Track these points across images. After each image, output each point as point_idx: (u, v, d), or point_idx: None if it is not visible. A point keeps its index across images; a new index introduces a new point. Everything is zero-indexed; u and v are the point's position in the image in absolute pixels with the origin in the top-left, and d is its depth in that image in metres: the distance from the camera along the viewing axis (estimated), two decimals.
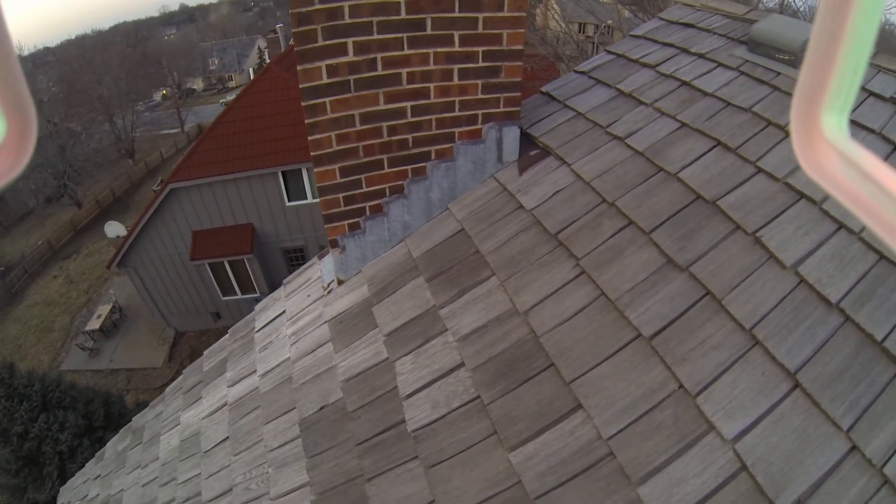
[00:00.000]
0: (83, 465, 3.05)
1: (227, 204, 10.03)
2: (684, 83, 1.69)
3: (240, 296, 11.50)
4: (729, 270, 1.16)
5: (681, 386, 1.03)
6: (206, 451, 1.81)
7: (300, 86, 1.41)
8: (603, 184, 1.45)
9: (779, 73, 1.62)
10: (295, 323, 1.80)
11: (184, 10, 51.80)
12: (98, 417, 7.93)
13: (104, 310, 14.65)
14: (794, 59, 1.63)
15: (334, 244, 1.64)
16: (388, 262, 1.65)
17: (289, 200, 10.21)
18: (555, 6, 12.97)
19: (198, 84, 34.44)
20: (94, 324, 13.85)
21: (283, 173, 9.77)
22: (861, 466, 0.90)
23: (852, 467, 0.91)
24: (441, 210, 1.67)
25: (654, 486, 0.95)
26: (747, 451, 0.94)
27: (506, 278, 1.35)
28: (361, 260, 1.69)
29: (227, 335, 2.23)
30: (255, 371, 1.83)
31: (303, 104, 1.44)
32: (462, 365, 1.25)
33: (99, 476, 2.62)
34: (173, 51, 33.79)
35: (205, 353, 2.32)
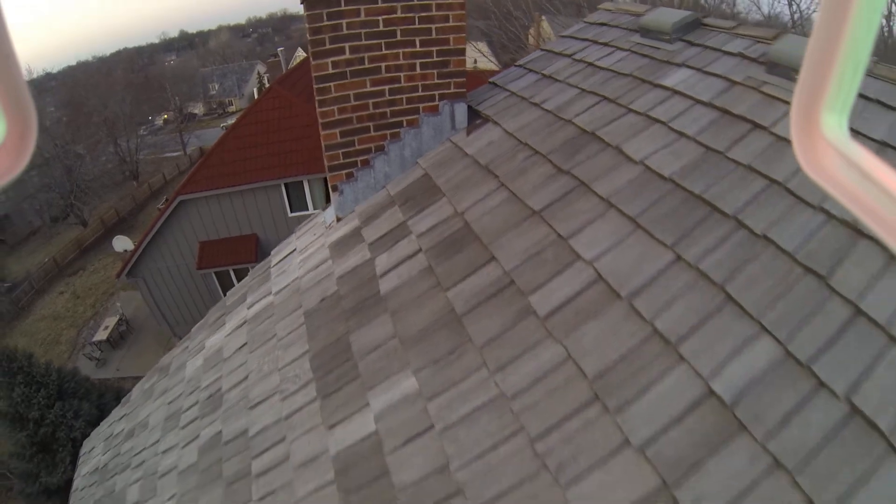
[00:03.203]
0: None
1: (232, 215, 10.71)
2: (589, 64, 2.37)
3: None
4: (597, 170, 1.80)
5: (559, 235, 1.67)
6: (226, 358, 2.36)
7: (314, 74, 2.08)
8: (521, 133, 2.12)
9: (658, 48, 2.26)
10: (303, 253, 2.44)
11: (183, 36, 53.11)
12: (110, 408, 8.44)
13: (111, 321, 15.12)
14: (669, 36, 2.26)
15: (335, 188, 2.30)
16: (373, 201, 2.31)
17: (291, 211, 10.89)
18: (545, 27, 13.91)
19: (199, 108, 35.47)
20: (102, 335, 14.32)
21: (286, 185, 10.48)
22: (682, 265, 1.49)
23: (676, 267, 1.49)
24: (412, 164, 2.34)
25: (541, 295, 1.57)
26: (603, 268, 1.54)
27: (451, 196, 2.01)
28: (354, 202, 2.35)
29: (247, 276, 2.86)
30: (270, 292, 2.46)
31: (315, 87, 2.12)
32: (420, 250, 1.90)
33: (125, 416, 3.07)
34: (174, 76, 34.81)
35: (227, 293, 2.93)
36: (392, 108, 2.20)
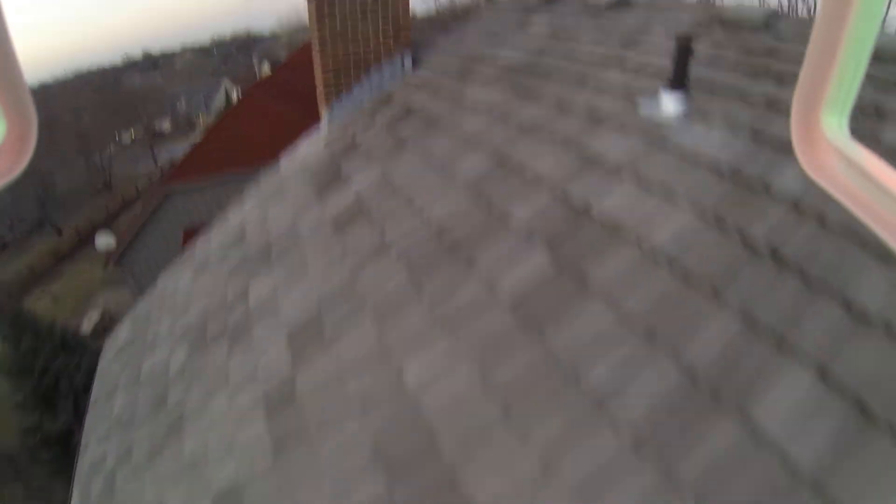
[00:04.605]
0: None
1: (218, 204, 11.90)
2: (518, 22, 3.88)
3: None
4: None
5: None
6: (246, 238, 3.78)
7: (317, 37, 3.53)
8: (447, 58, 3.61)
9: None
10: (306, 151, 3.85)
11: (147, 57, 53.55)
12: None
13: (94, 315, 15.91)
14: None
15: (328, 106, 3.73)
16: (355, 115, 3.75)
17: None
18: None
19: (166, 126, 36.23)
20: (87, 327, 15.12)
21: None
22: None
23: None
24: (378, 91, 3.80)
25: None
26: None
27: (404, 100, 3.47)
28: (341, 117, 3.78)
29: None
30: (279, 175, 3.83)
31: (317, 48, 3.56)
32: (383, 126, 3.36)
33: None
34: (140, 95, 35.54)
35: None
36: (365, 59, 3.67)
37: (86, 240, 22.52)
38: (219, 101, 35.62)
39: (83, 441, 3.19)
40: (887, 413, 0.99)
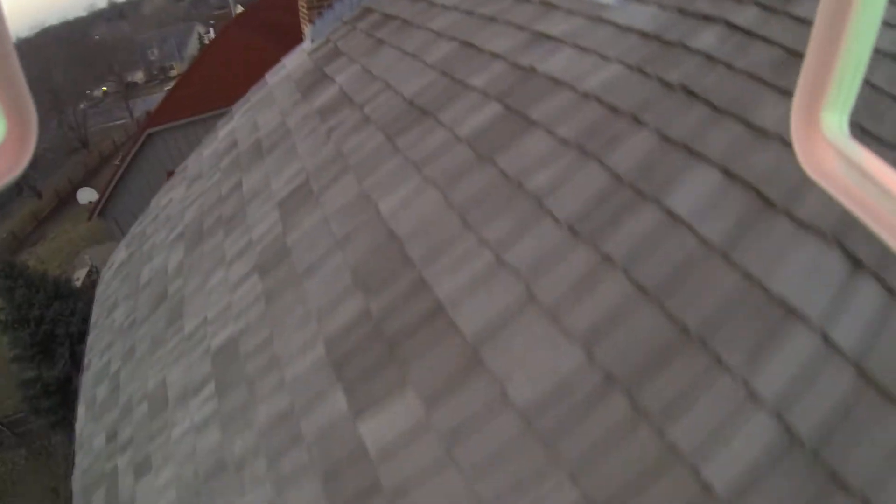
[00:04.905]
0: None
1: (200, 143, 11.90)
2: None
3: None
4: None
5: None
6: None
7: None
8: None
9: None
10: (292, 63, 4.03)
11: (113, 6, 51.08)
12: None
13: (82, 273, 16.04)
14: None
15: (311, 21, 3.90)
16: (336, 28, 3.92)
17: None
18: None
19: (139, 77, 35.14)
20: (76, 285, 15.28)
21: None
22: None
23: None
24: (358, 4, 3.96)
25: None
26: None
27: (378, 10, 3.66)
28: (323, 32, 3.95)
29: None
30: (265, 87, 4.02)
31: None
32: (361, 31, 3.55)
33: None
34: (109, 46, 34.26)
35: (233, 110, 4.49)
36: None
37: (66, 199, 22.28)
38: (192, 48, 34.46)
39: (85, 361, 3.29)
40: (784, 201, 1.27)
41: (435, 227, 1.70)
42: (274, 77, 4.08)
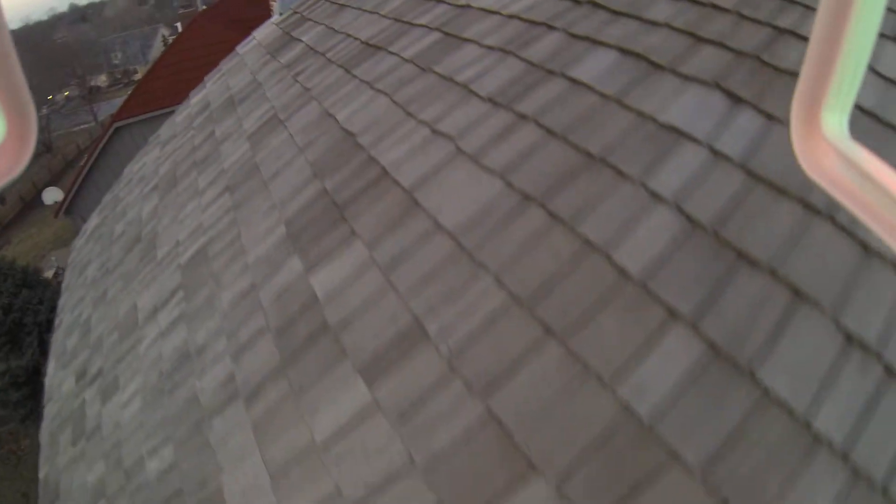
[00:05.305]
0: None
1: None
2: None
3: None
4: None
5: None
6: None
7: None
8: None
9: None
10: (261, 34, 4.30)
11: (75, 9, 49.96)
12: None
13: (49, 274, 15.78)
14: None
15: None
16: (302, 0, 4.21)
17: None
18: None
19: (102, 80, 34.51)
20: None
21: None
22: None
23: None
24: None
25: None
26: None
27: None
28: (289, 3, 4.23)
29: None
30: (236, 56, 4.28)
31: None
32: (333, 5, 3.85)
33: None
34: (72, 50, 33.58)
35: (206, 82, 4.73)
36: None
37: (31, 204, 21.78)
38: (156, 51, 34.01)
39: (56, 321, 3.26)
40: (670, 64, 1.48)
41: (382, 121, 2.00)
42: (244, 48, 4.34)
